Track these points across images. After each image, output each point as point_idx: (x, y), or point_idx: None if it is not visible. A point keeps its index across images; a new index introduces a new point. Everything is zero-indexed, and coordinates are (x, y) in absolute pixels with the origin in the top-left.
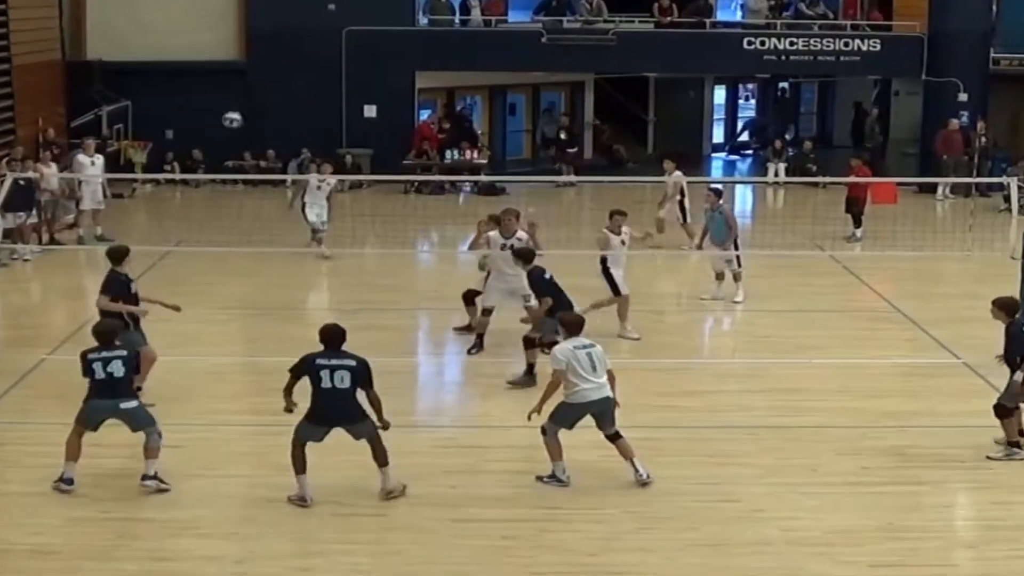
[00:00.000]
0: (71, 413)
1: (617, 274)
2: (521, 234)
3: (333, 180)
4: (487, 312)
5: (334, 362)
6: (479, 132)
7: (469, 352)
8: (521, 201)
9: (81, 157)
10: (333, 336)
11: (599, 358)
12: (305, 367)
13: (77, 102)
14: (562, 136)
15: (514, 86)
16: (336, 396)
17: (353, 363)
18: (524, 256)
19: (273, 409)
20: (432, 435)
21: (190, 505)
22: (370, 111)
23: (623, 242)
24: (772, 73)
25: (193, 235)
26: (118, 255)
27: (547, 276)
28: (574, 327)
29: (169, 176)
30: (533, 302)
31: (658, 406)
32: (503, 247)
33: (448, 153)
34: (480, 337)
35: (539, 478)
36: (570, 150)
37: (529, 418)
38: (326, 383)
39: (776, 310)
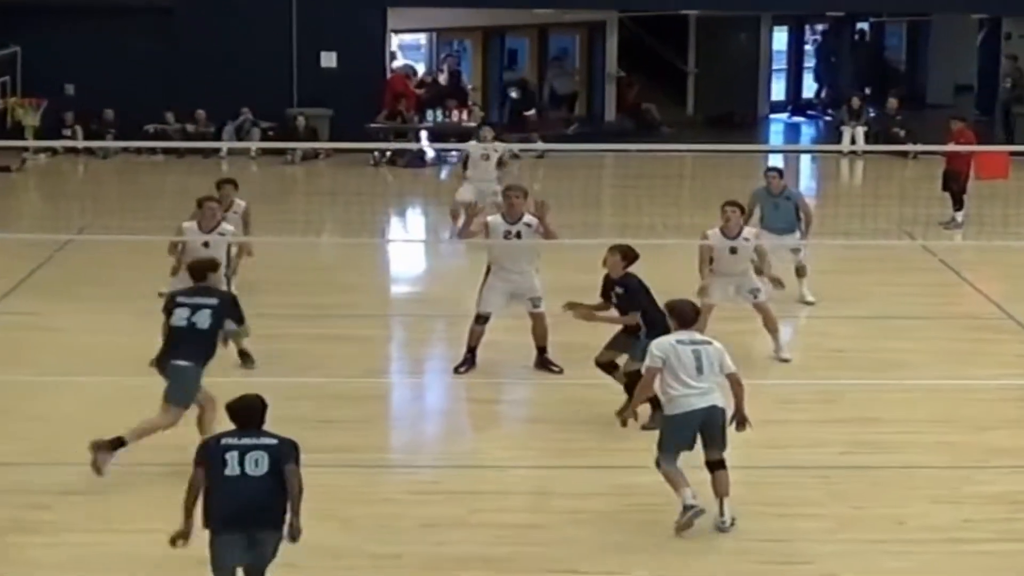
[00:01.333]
0: None
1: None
2: (529, 219)
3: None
4: (483, 319)
5: (246, 442)
6: (469, 87)
7: (456, 371)
8: (525, 175)
9: None
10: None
11: (710, 358)
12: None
13: None
14: (513, 95)
15: (515, 27)
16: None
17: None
18: (626, 255)
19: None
20: (410, 477)
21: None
22: (328, 59)
23: (734, 250)
24: (847, 11)
25: (101, 219)
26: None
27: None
28: (685, 317)
29: (69, 143)
30: (543, 307)
31: None
32: (507, 235)
33: (429, 114)
34: (472, 352)
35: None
36: (527, 113)
37: (623, 424)
38: (232, 469)
39: (853, 316)
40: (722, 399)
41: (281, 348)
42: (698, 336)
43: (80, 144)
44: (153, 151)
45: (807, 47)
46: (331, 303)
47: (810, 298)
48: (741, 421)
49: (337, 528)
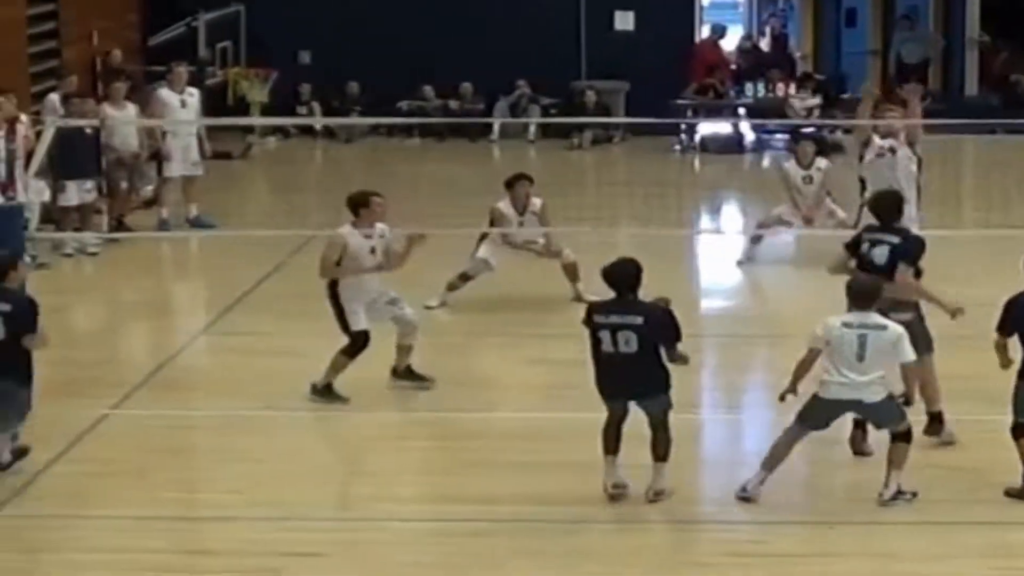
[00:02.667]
0: (140, 499)
1: None
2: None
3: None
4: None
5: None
6: (798, 55)
7: None
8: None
9: (165, 94)
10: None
11: (876, 347)
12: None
13: (158, 7)
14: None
15: None
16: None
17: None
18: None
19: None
20: (725, 535)
21: None
22: (624, 21)
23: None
24: None
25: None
26: None
27: None
28: (859, 297)
29: (305, 122)
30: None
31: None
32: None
33: (748, 87)
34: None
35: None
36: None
37: (782, 399)
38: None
39: None
40: (880, 393)
41: (568, 376)
42: (873, 319)
43: (318, 123)
44: (408, 132)
45: None
46: None
47: None
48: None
49: None
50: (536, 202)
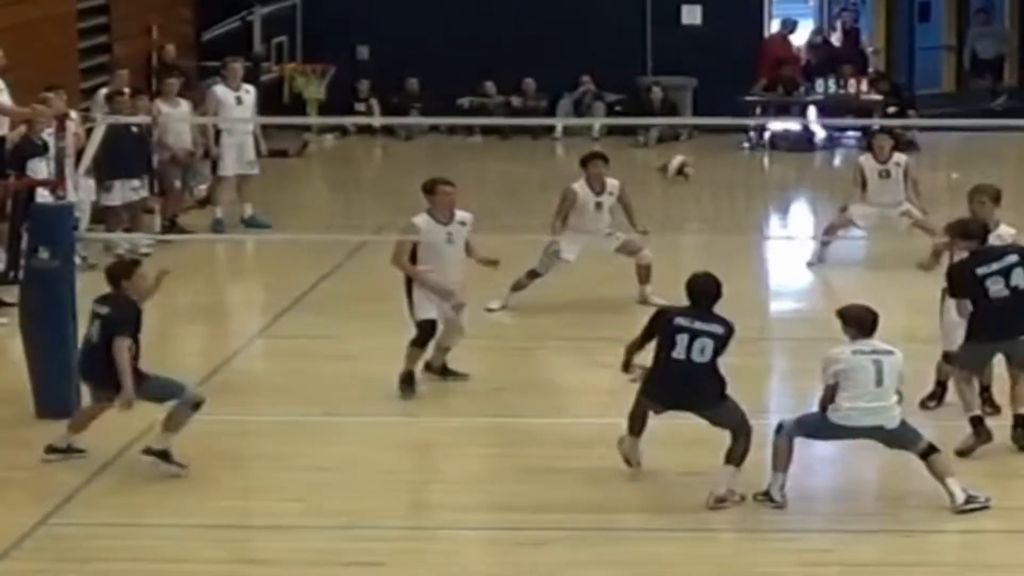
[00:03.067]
0: (195, 508)
1: None
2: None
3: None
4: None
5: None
6: (870, 50)
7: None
8: (939, 163)
9: (220, 91)
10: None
11: (891, 371)
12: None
13: (212, 1)
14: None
15: None
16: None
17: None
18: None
19: None
20: (797, 545)
21: None
22: (691, 15)
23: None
24: None
25: (403, 216)
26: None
27: None
28: (857, 324)
29: (363, 120)
30: None
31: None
32: None
33: (819, 83)
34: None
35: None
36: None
37: None
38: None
39: None
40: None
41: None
42: (880, 344)
43: (377, 122)
44: (469, 130)
45: None
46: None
47: None
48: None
49: None
50: (613, 183)
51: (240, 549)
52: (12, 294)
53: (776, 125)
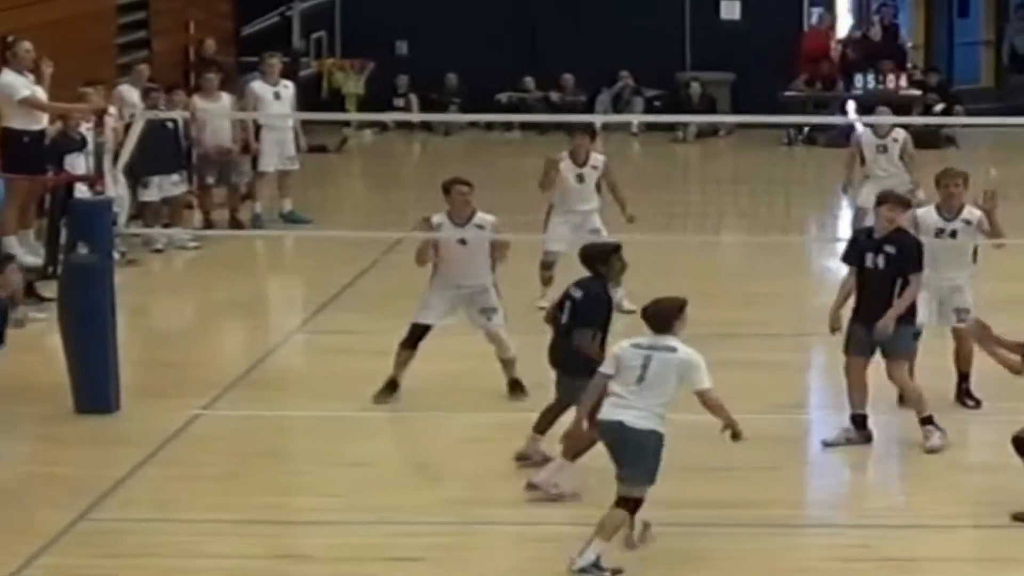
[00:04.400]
0: (233, 503)
1: None
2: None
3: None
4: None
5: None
6: (908, 45)
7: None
8: (976, 160)
9: (259, 86)
10: None
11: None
12: None
13: None
14: None
15: None
16: None
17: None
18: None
19: None
20: (832, 540)
21: None
22: (730, 10)
23: None
24: None
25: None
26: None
27: None
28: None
29: (402, 116)
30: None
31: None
32: (939, 233)
33: (858, 78)
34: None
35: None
36: None
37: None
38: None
39: None
40: (628, 414)
41: None
42: (660, 341)
43: (416, 118)
44: (508, 126)
45: None
46: (734, 319)
47: None
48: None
49: None
50: (598, 157)
51: (278, 545)
52: (51, 289)
53: (814, 119)
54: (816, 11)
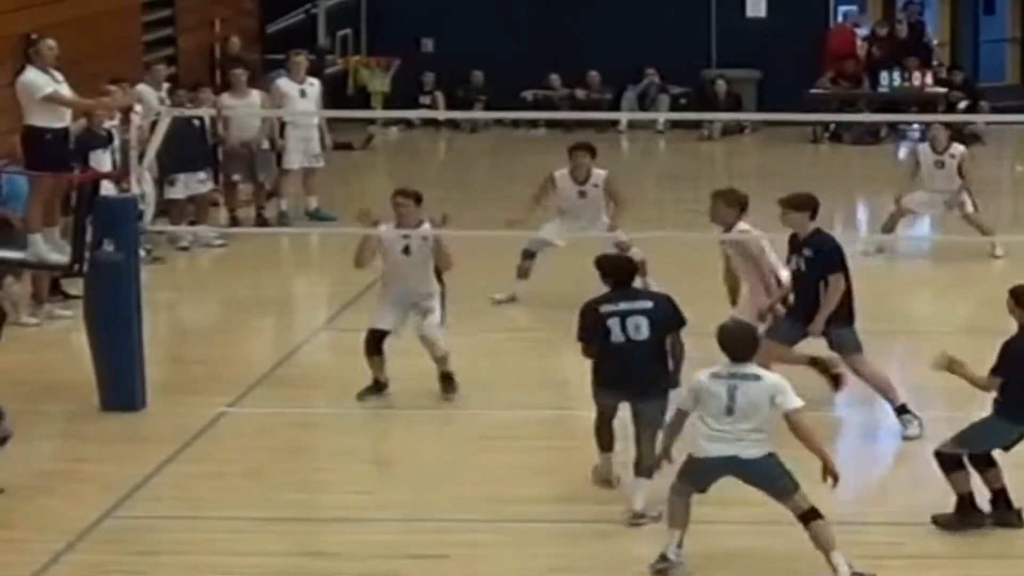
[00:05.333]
0: (259, 500)
1: None
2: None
3: None
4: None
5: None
6: (934, 43)
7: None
8: (1003, 157)
9: (284, 84)
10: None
11: (748, 399)
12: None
13: None
14: None
15: None
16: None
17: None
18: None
19: None
20: (858, 538)
21: None
22: (756, 7)
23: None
24: None
25: (468, 211)
26: None
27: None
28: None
29: (428, 113)
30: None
31: None
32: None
33: (884, 76)
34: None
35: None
36: None
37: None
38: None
39: None
40: (756, 449)
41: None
42: (740, 368)
43: (441, 115)
44: (534, 123)
45: None
46: None
47: None
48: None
49: None
50: (600, 173)
51: (304, 542)
52: (77, 287)
53: (841, 117)
54: (844, 9)
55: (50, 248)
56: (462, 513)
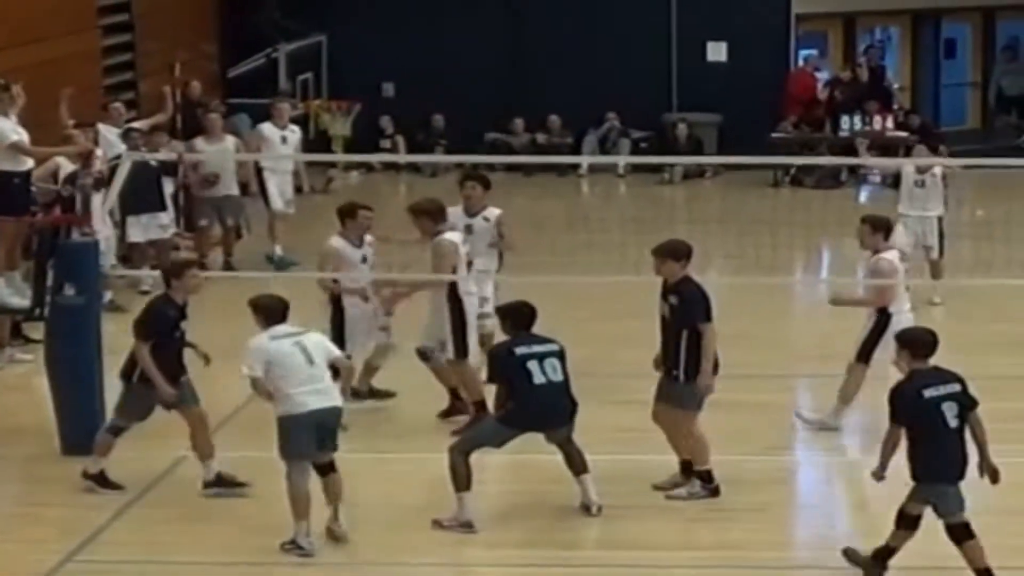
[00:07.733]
0: (222, 545)
1: None
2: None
3: None
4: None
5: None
6: (894, 87)
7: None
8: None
9: (268, 129)
10: None
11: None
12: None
13: (236, 38)
14: None
15: (953, 11)
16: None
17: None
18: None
19: None
20: None
21: None
22: (717, 52)
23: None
24: None
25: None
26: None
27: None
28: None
29: (388, 157)
30: None
31: None
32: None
33: (844, 120)
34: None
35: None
36: None
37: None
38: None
39: None
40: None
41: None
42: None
43: (402, 159)
44: (493, 167)
45: None
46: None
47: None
48: None
49: None
50: (493, 211)
51: None
52: (38, 331)
53: (804, 160)
54: (804, 52)
55: (11, 292)
56: (433, 557)
